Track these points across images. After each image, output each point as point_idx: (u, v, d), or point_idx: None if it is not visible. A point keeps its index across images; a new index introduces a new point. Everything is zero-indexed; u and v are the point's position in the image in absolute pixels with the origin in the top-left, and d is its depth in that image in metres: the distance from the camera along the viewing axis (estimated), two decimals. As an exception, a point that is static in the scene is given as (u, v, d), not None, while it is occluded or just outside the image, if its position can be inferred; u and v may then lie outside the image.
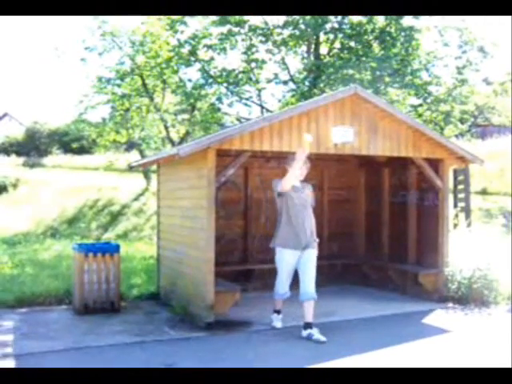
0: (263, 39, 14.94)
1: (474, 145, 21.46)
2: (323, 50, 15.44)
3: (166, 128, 19.12)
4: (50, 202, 22.30)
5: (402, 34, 14.10)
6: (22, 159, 35.45)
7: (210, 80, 15.31)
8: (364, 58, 13.80)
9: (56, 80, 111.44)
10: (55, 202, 22.27)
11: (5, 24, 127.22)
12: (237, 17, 14.18)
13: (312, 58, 14.81)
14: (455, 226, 11.32)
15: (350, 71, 13.46)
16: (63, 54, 19.71)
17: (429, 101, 14.78)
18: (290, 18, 14.16)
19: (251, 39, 14.97)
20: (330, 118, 7.62)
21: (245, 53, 15.17)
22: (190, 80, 16.43)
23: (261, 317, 7.69)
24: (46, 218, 20.49)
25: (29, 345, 6.38)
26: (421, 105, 15.12)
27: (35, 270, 10.89)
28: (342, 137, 7.66)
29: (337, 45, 15.21)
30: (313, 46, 15.11)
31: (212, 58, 15.56)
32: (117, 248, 8.24)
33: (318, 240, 7.10)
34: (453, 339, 6.78)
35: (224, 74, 15.17)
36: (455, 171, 12.30)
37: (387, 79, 13.90)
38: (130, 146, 25.54)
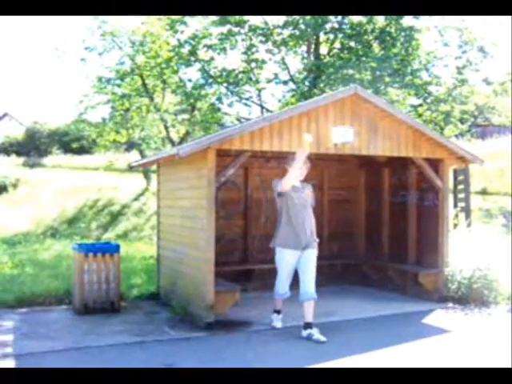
0: (263, 39, 14.94)
1: (474, 145, 21.47)
2: (323, 50, 15.45)
3: (166, 128, 19.12)
4: (50, 202, 22.30)
5: (402, 33, 14.10)
6: (21, 159, 35.45)
7: (210, 80, 15.31)
8: (364, 58, 13.80)
9: (56, 80, 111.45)
10: (55, 202, 22.27)
11: (5, 24, 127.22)
12: (237, 17, 14.18)
13: (312, 58, 14.82)
14: (455, 226, 11.32)
15: (350, 71, 13.46)
16: (63, 54, 19.72)
17: (429, 101, 14.78)
18: (289, 18, 14.16)
19: (251, 39, 14.97)
20: (330, 118, 7.62)
21: (245, 53, 15.17)
22: (190, 80, 16.43)
23: (261, 317, 7.69)
24: (46, 218, 20.48)
25: (29, 345, 6.38)
26: (421, 105, 15.12)
27: (35, 270, 10.89)
28: (342, 137, 7.67)
29: (337, 45, 15.21)
30: (313, 46, 15.11)
31: (212, 58, 15.56)
32: (117, 248, 8.25)
33: (318, 240, 7.10)
34: (453, 339, 6.78)
35: (224, 74, 15.17)
36: (455, 171, 12.30)
37: (387, 79, 13.89)
38: (130, 146, 25.55)
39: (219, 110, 15.87)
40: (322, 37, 15.14)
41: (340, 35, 14.69)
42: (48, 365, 5.55)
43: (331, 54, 15.11)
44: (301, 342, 6.55)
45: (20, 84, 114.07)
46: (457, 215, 12.22)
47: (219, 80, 15.24)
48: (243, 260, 9.74)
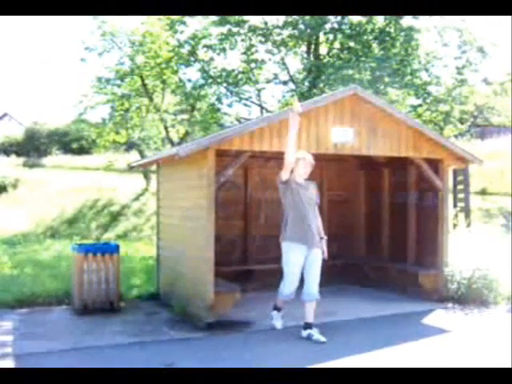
0: (263, 39, 14.93)
1: (474, 145, 21.50)
2: (323, 50, 15.45)
3: (166, 128, 19.12)
4: (49, 203, 22.28)
5: (402, 34, 14.10)
6: (21, 159, 35.41)
7: (210, 80, 15.30)
8: (363, 58, 13.80)
9: (56, 80, 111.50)
10: (55, 202, 22.25)
11: (5, 24, 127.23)
12: (236, 17, 14.17)
13: (311, 58, 14.81)
14: (455, 226, 11.33)
15: (350, 71, 13.45)
16: (63, 54, 19.77)
17: (428, 101, 14.78)
18: (289, 19, 14.16)
19: (251, 39, 14.96)
20: (330, 118, 7.62)
21: (244, 53, 15.17)
22: (189, 80, 16.43)
23: (260, 317, 7.68)
24: (45, 218, 20.47)
25: (28, 345, 6.39)
26: (420, 105, 15.11)
27: (35, 270, 10.89)
28: (342, 137, 7.67)
29: (336, 45, 15.21)
30: (312, 47, 15.11)
31: (212, 58, 15.55)
32: (116, 248, 8.24)
33: (326, 237, 7.02)
34: (452, 339, 6.78)
35: (224, 74, 15.16)
36: (455, 171, 12.32)
37: (387, 79, 13.89)
38: (130, 146, 25.53)
39: (219, 110, 15.86)
40: (322, 37, 15.14)
41: (339, 35, 14.68)
42: (47, 365, 5.54)
43: (331, 54, 15.10)
44: (301, 342, 6.55)
45: (20, 84, 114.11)
46: (456, 215, 12.24)
47: (219, 80, 15.23)
48: (243, 260, 9.75)
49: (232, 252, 9.63)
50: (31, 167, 32.64)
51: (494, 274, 8.50)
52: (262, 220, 9.94)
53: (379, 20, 14.52)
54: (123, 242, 14.26)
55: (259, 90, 15.77)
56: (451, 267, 8.61)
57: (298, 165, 6.69)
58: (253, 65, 15.30)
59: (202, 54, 15.71)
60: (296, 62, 16.00)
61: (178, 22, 15.26)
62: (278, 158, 9.39)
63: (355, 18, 14.49)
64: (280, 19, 14.70)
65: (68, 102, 65.62)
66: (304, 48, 15.41)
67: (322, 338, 6.51)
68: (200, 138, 9.47)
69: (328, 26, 14.41)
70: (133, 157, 24.38)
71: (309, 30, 13.92)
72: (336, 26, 14.56)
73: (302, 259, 6.73)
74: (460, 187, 12.58)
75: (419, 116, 14.68)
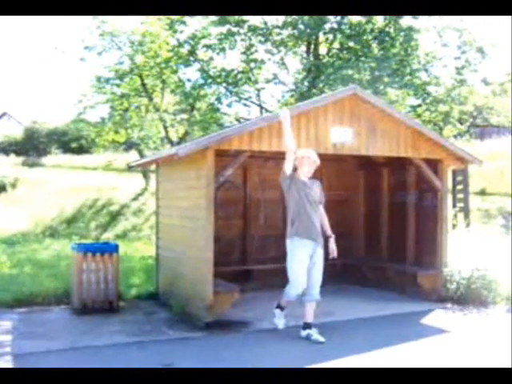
0: (262, 39, 14.94)
1: (473, 145, 21.48)
2: (322, 50, 15.46)
3: (165, 128, 19.13)
4: (48, 202, 22.28)
5: (401, 34, 14.11)
6: (20, 159, 35.43)
7: (209, 80, 15.31)
8: (363, 58, 13.81)
9: (55, 79, 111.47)
10: (54, 201, 22.25)
11: (5, 24, 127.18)
12: (236, 17, 14.18)
13: (311, 58, 14.82)
14: (454, 226, 11.34)
15: (349, 71, 13.46)
16: (62, 54, 19.75)
17: (428, 101, 14.79)
18: (289, 19, 14.16)
19: (250, 39, 14.97)
20: (329, 118, 7.62)
21: (244, 53, 15.17)
22: (189, 80, 16.45)
23: (259, 317, 7.68)
24: (44, 217, 20.46)
25: (27, 344, 6.38)
26: (420, 105, 15.13)
27: (34, 269, 10.89)
28: (341, 137, 7.67)
29: (336, 45, 15.22)
30: (312, 47, 15.12)
31: (211, 58, 15.56)
32: (115, 248, 8.24)
33: (333, 236, 6.92)
34: (452, 339, 6.78)
35: (223, 74, 15.17)
36: (454, 172, 12.32)
37: (386, 79, 13.90)
38: (129, 145, 25.54)
39: (218, 110, 15.86)
40: (321, 37, 15.15)
41: (339, 35, 14.69)
42: (46, 365, 5.54)
43: (330, 54, 15.11)
44: (300, 342, 6.55)
45: (19, 83, 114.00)
46: (456, 215, 12.25)
47: (218, 80, 15.24)
48: (242, 260, 9.75)
49: (231, 252, 9.63)
50: (30, 167, 32.65)
51: (493, 275, 8.50)
52: (261, 220, 9.94)
53: (379, 20, 14.53)
54: (122, 242, 14.27)
55: (259, 90, 15.77)
56: (450, 267, 8.62)
57: (302, 163, 6.62)
58: (252, 65, 15.31)
59: (201, 53, 15.72)
60: (295, 62, 16.02)
61: (178, 22, 15.27)
62: (277, 158, 9.42)
63: (355, 18, 14.50)
64: (279, 19, 14.71)
65: (67, 102, 65.63)
66: (303, 48, 15.42)
67: (321, 339, 6.51)
68: (199, 138, 9.46)
69: (327, 26, 14.42)
70: (132, 156, 24.37)
71: (308, 30, 13.92)
72: (335, 26, 14.57)
73: (308, 257, 6.60)
74: (459, 187, 12.59)
75: (418, 116, 14.70)
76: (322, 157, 8.86)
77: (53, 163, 33.51)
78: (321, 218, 6.87)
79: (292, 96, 14.70)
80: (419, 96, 14.67)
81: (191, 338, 6.74)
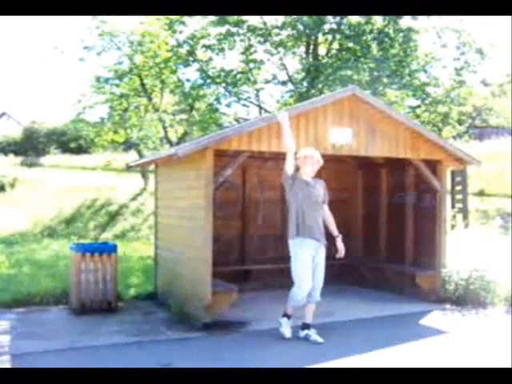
0: (262, 40, 14.95)
1: (472, 146, 21.49)
2: (321, 50, 15.47)
3: (164, 128, 19.13)
4: (47, 202, 22.26)
5: (400, 35, 14.13)
6: (19, 159, 35.41)
7: (209, 80, 15.31)
8: (362, 59, 13.83)
9: (54, 79, 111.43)
10: (53, 201, 22.22)
11: (5, 24, 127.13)
12: (235, 17, 14.18)
13: (310, 58, 14.83)
14: (453, 227, 11.35)
15: (349, 72, 13.47)
16: (62, 54, 19.76)
17: (427, 102, 14.80)
18: (288, 19, 14.17)
19: (249, 39, 14.98)
20: (329, 118, 7.62)
21: (243, 53, 15.18)
22: (188, 80, 16.46)
23: (258, 317, 7.69)
24: (43, 217, 20.44)
25: (25, 344, 6.37)
26: (419, 106, 15.15)
27: (32, 269, 10.88)
28: (341, 138, 7.67)
29: (335, 45, 15.23)
30: (311, 47, 15.13)
31: (210, 58, 15.57)
32: (114, 248, 8.24)
33: (340, 235, 6.84)
34: (450, 340, 6.78)
35: (222, 74, 15.18)
36: (453, 172, 12.34)
37: (385, 80, 13.91)
38: (128, 145, 25.56)
39: (217, 110, 15.87)
40: (321, 37, 15.16)
41: (338, 36, 14.71)
42: (44, 365, 5.53)
43: (329, 54, 15.12)
44: (298, 342, 6.55)
45: (18, 83, 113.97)
46: (454, 216, 12.26)
47: (217, 80, 15.24)
48: (241, 260, 9.75)
49: (230, 252, 9.63)
50: (29, 166, 32.63)
51: (491, 276, 8.51)
52: (259, 220, 9.94)
53: (378, 21, 14.54)
54: (121, 242, 14.26)
55: (258, 90, 15.79)
56: (449, 268, 8.62)
57: (305, 162, 6.54)
58: (251, 65, 15.32)
59: (200, 53, 15.73)
60: (295, 63, 16.04)
61: (177, 22, 15.28)
62: (276, 158, 9.42)
63: (354, 19, 14.51)
64: (279, 19, 14.72)
65: (66, 102, 65.54)
66: (303, 48, 15.43)
67: (320, 339, 6.50)
68: (198, 138, 9.46)
69: (327, 27, 14.44)
70: (131, 156, 24.36)
71: (307, 31, 13.93)
72: (335, 26, 14.58)
73: (311, 254, 6.49)
74: (458, 188, 12.60)
75: (418, 117, 14.71)
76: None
77: (52, 163, 33.48)
78: (326, 217, 6.79)
79: (291, 96, 14.71)
80: (418, 97, 14.68)
81: (190, 339, 6.73)
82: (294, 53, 15.64)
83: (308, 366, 5.56)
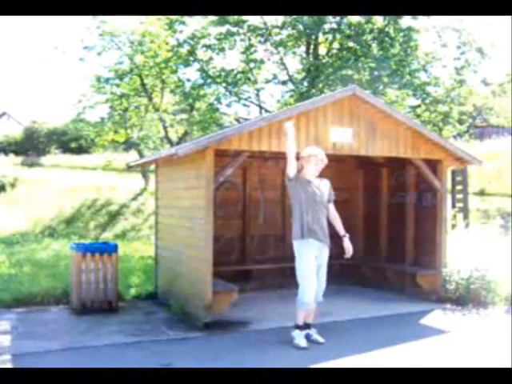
0: (262, 39, 14.94)
1: (472, 146, 21.48)
2: (322, 50, 15.45)
3: (165, 128, 19.12)
4: (48, 202, 22.26)
5: (401, 34, 14.11)
6: (20, 158, 35.41)
7: (209, 80, 15.30)
8: (362, 59, 13.81)
9: (55, 79, 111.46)
10: (53, 201, 22.23)
11: (5, 24, 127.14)
12: (235, 17, 14.17)
13: (311, 58, 14.82)
14: (453, 226, 11.32)
15: (349, 71, 13.46)
16: (62, 54, 19.77)
17: (427, 101, 14.79)
18: (288, 19, 14.16)
19: (250, 39, 14.97)
20: (329, 118, 7.62)
21: (243, 53, 15.17)
22: (188, 80, 16.44)
23: (258, 317, 7.70)
24: (44, 217, 20.45)
25: (26, 344, 6.38)
26: (419, 105, 15.13)
27: (33, 269, 10.88)
28: (341, 137, 7.67)
29: (335, 45, 15.21)
30: (311, 47, 15.12)
31: (211, 58, 15.55)
32: (115, 248, 8.24)
33: (348, 235, 6.79)
34: (451, 340, 6.78)
35: (223, 74, 15.17)
36: (453, 172, 12.31)
37: (386, 80, 13.90)
38: (129, 145, 25.56)
39: (218, 110, 15.85)
40: (321, 37, 15.14)
41: (339, 35, 14.69)
42: (45, 364, 5.54)
43: (330, 54, 15.11)
44: (299, 342, 6.54)
45: (18, 83, 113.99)
46: (455, 216, 12.24)
47: (218, 80, 15.23)
48: (241, 260, 9.75)
49: (230, 252, 9.63)
50: (30, 166, 32.62)
51: (492, 275, 8.50)
52: (260, 220, 9.94)
53: (378, 20, 14.52)
54: (121, 242, 14.28)
55: (258, 90, 15.77)
56: (449, 268, 8.62)
57: (309, 162, 6.47)
58: (252, 65, 15.30)
59: (201, 53, 15.71)
60: (295, 62, 16.02)
61: (177, 22, 15.26)
62: (276, 157, 9.43)
63: (354, 18, 14.49)
64: (279, 19, 14.71)
65: (67, 102, 65.65)
66: (303, 48, 15.41)
67: (321, 339, 6.50)
68: (199, 138, 9.46)
69: (327, 26, 14.41)
70: (131, 156, 24.38)
71: (308, 31, 13.92)
72: (335, 26, 14.56)
73: (315, 254, 6.42)
74: (458, 188, 12.57)
75: (418, 116, 14.69)
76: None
77: (52, 163, 33.48)
78: (331, 217, 6.74)
79: (291, 96, 14.70)
80: (419, 96, 14.67)
81: (190, 338, 6.73)
82: (294, 52, 15.63)
83: (308, 366, 5.56)
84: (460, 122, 16.64)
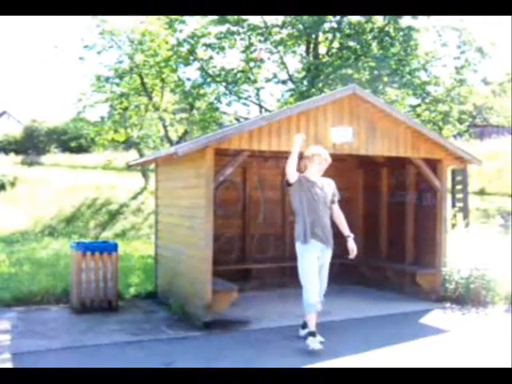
0: (262, 39, 14.95)
1: (472, 145, 21.49)
2: (322, 49, 15.46)
3: (165, 127, 19.13)
4: (48, 201, 22.28)
5: (401, 33, 14.11)
6: (20, 157, 35.45)
7: (209, 79, 15.31)
8: (362, 58, 13.82)
9: (54, 78, 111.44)
10: (53, 200, 22.25)
11: (5, 23, 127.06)
12: (235, 16, 14.17)
13: (311, 57, 14.82)
14: (453, 226, 11.33)
15: (349, 71, 13.46)
16: (62, 53, 19.78)
17: (427, 101, 14.80)
18: (288, 18, 14.16)
19: (250, 38, 14.97)
20: (329, 117, 7.62)
21: (243, 52, 15.17)
22: (188, 79, 16.45)
23: (258, 316, 7.70)
24: (44, 216, 20.47)
25: (26, 343, 6.38)
26: (419, 105, 15.14)
27: (33, 268, 10.89)
28: (341, 137, 7.66)
29: (335, 44, 15.22)
30: (311, 46, 15.12)
31: (211, 57, 15.56)
32: (115, 247, 8.24)
33: (352, 235, 6.79)
34: (450, 339, 6.79)
35: (223, 73, 15.18)
36: (453, 171, 12.31)
37: (386, 79, 13.91)
38: (129, 144, 25.57)
39: (218, 109, 15.86)
40: (321, 36, 15.15)
41: (338, 35, 14.69)
42: (45, 363, 5.55)
43: (330, 53, 15.12)
44: (298, 341, 6.54)
45: (18, 82, 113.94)
46: (455, 215, 12.24)
47: (218, 79, 15.24)
48: (241, 259, 9.75)
49: (230, 251, 9.63)
50: (30, 165, 32.64)
51: (492, 274, 8.51)
52: (260, 219, 9.94)
53: (378, 20, 14.53)
54: (121, 241, 14.30)
55: (258, 89, 15.77)
56: (449, 267, 8.62)
57: (313, 161, 6.40)
58: (252, 64, 15.30)
59: (201, 52, 15.72)
60: (295, 62, 16.03)
61: (177, 21, 15.27)
62: (276, 157, 9.43)
63: (354, 18, 14.49)
64: (279, 18, 14.71)
65: (67, 101, 65.59)
66: (303, 47, 15.42)
67: (320, 338, 6.49)
68: (199, 137, 9.46)
69: (327, 26, 14.42)
70: (131, 155, 24.39)
71: (308, 30, 13.91)
72: (335, 25, 14.57)
73: (317, 255, 6.37)
74: (458, 187, 12.57)
75: (418, 116, 14.70)
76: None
77: (52, 162, 33.50)
78: (335, 217, 6.70)
79: (291, 95, 14.70)
80: (419, 95, 14.67)
81: (190, 337, 6.74)
82: (294, 52, 15.64)
83: (308, 365, 5.57)
84: (460, 121, 16.64)
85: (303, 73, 14.75)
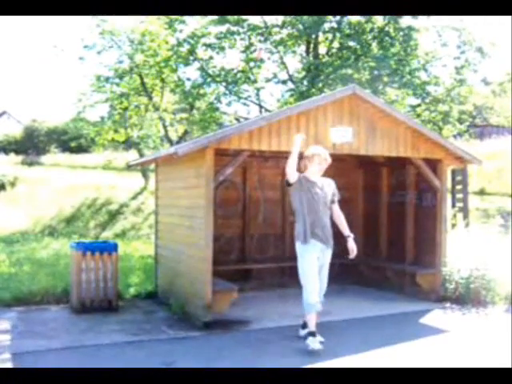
0: (262, 39, 14.95)
1: (472, 145, 21.49)
2: (322, 49, 15.46)
3: (165, 127, 19.13)
4: (48, 201, 22.28)
5: (401, 33, 14.11)
6: (20, 157, 35.42)
7: (209, 79, 15.31)
8: (362, 58, 13.82)
9: (55, 78, 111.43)
10: (53, 200, 22.25)
11: (5, 23, 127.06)
12: (236, 16, 14.17)
13: (311, 57, 14.82)
14: (453, 226, 11.33)
15: (349, 71, 13.46)
16: (62, 52, 19.79)
17: (427, 101, 14.80)
18: (288, 18, 14.16)
19: (250, 38, 14.98)
20: (329, 117, 7.62)
21: (243, 52, 15.17)
22: (188, 79, 16.45)
23: (258, 316, 7.70)
24: (44, 216, 20.47)
25: (26, 343, 6.38)
26: (419, 105, 15.14)
27: (33, 268, 10.88)
28: (341, 137, 7.66)
29: (335, 44, 15.22)
30: (311, 46, 15.12)
31: (211, 57, 15.56)
32: (115, 247, 8.24)
33: (352, 235, 6.79)
34: (450, 339, 6.79)
35: (223, 73, 15.18)
36: (453, 171, 12.31)
37: (386, 79, 13.91)
38: (129, 144, 25.57)
39: (218, 109, 15.86)
40: (321, 36, 15.15)
41: (338, 35, 14.70)
42: (45, 363, 5.55)
43: (330, 53, 15.12)
44: (298, 341, 6.54)
45: (18, 82, 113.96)
46: (455, 215, 12.25)
47: (218, 79, 15.24)
48: (241, 259, 9.75)
49: (230, 251, 9.63)
50: (30, 165, 32.62)
51: (492, 274, 8.51)
52: (260, 219, 9.94)
53: (378, 20, 14.53)
54: (121, 241, 14.30)
55: (258, 89, 15.77)
56: (449, 267, 8.62)
57: (313, 161, 6.39)
58: (252, 64, 15.31)
59: (201, 52, 15.72)
60: (295, 62, 16.03)
61: (177, 21, 15.28)
62: (276, 157, 9.43)
63: (354, 18, 14.49)
64: (279, 18, 14.71)
65: (67, 101, 65.59)
66: (303, 47, 15.42)
67: (320, 338, 6.49)
68: (199, 137, 9.46)
69: (327, 26, 14.42)
70: (131, 155, 24.40)
71: (308, 30, 13.91)
72: (335, 25, 14.57)
73: (317, 256, 6.36)
74: (458, 187, 12.57)
75: (418, 116, 14.70)
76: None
77: (52, 162, 33.49)
78: (335, 217, 6.69)
79: (291, 95, 14.70)
80: (419, 95, 14.67)
81: (190, 337, 6.74)
82: (294, 52, 15.64)
83: (308, 365, 5.57)
84: (460, 121, 16.64)
85: (303, 73, 14.75)
